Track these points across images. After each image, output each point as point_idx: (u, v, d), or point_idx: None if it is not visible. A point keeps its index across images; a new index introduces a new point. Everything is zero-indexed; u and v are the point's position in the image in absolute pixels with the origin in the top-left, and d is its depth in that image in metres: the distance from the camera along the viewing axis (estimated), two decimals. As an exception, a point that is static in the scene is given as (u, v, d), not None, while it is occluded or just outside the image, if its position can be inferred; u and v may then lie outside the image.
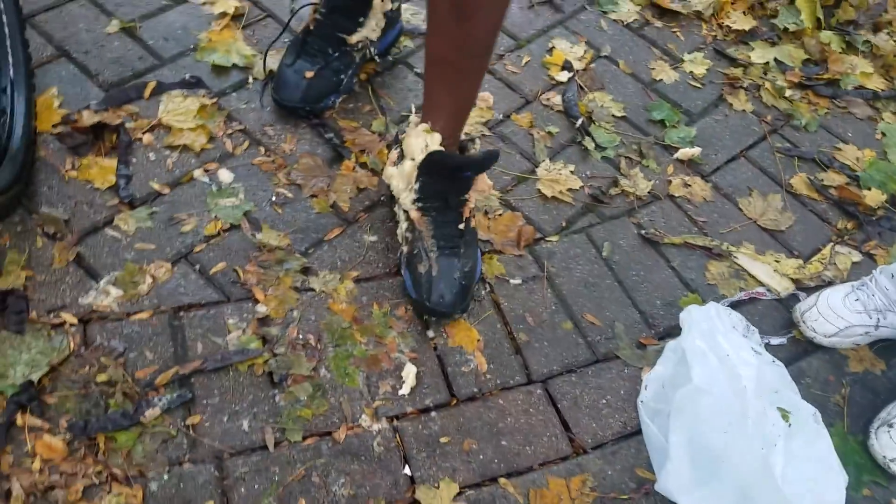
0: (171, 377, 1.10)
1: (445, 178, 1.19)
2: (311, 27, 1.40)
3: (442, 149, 1.17)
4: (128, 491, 0.99)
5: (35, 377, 1.05)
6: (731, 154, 1.57)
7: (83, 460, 1.01)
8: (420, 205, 1.22)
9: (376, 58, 1.50)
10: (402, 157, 1.23)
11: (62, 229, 1.22)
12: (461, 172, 1.18)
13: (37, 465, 0.99)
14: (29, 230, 1.21)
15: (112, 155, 1.32)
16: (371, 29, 1.42)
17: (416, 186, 1.20)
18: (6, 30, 1.24)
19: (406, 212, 1.24)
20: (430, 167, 1.18)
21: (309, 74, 1.39)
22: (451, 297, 1.20)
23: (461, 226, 1.22)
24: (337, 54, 1.41)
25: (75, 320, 1.13)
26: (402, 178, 1.23)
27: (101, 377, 1.08)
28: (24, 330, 1.10)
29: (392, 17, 1.48)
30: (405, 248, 1.25)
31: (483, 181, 1.24)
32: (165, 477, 1.02)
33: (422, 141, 1.18)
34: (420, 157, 1.18)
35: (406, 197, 1.23)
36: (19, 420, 1.02)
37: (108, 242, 1.22)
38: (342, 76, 1.43)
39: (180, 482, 1.01)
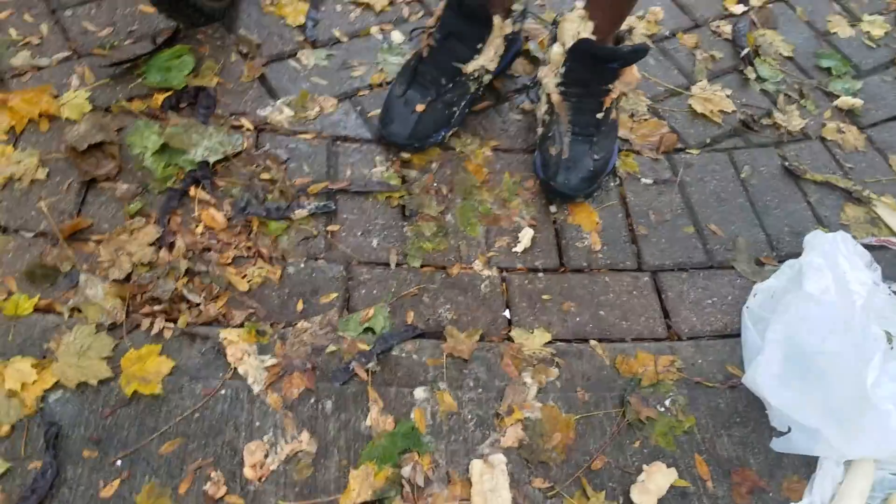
0: (321, 189, 1.23)
1: (591, 66, 1.22)
2: (425, 54, 1.29)
3: (592, 37, 1.20)
4: (269, 268, 1.14)
5: (211, 160, 1.22)
6: (893, 113, 1.51)
7: (238, 235, 1.17)
8: (562, 89, 1.26)
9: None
10: (554, 40, 1.29)
11: (253, 51, 1.38)
12: (606, 63, 1.22)
13: (199, 229, 1.16)
14: (226, 46, 1.38)
15: (305, 0, 1.47)
16: (489, 58, 1.30)
17: (562, 70, 1.25)
18: None
19: (548, 94, 1.29)
20: (578, 54, 1.21)
21: (420, 108, 1.27)
22: (575, 182, 1.24)
23: (599, 115, 1.26)
24: (451, 85, 1.29)
25: (251, 126, 1.29)
26: (550, 61, 1.28)
27: (265, 175, 1.23)
28: (209, 122, 1.27)
29: (511, 39, 1.35)
30: (541, 130, 1.31)
31: (631, 73, 1.26)
32: (302, 265, 1.16)
33: (575, 27, 1.22)
34: (570, 42, 1.22)
35: (550, 80, 1.28)
36: (192, 191, 1.19)
37: (289, 70, 1.38)
38: (454, 108, 1.31)
39: (313, 273, 1.15)
